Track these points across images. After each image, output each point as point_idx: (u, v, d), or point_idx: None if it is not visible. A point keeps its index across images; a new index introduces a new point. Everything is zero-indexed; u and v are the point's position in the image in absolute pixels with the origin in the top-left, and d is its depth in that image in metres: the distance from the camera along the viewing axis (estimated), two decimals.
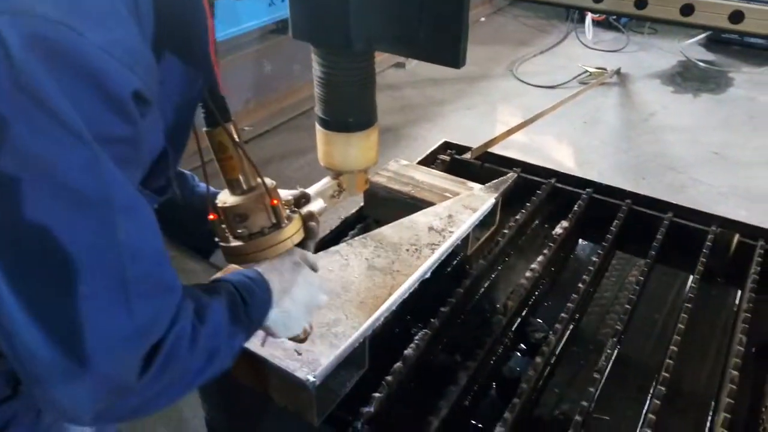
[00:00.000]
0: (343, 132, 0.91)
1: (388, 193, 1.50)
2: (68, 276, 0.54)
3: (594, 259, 1.47)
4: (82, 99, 0.52)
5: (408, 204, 1.48)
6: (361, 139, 0.93)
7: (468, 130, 3.74)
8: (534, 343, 1.32)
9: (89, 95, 0.53)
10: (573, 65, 4.62)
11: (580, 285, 1.38)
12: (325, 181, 0.98)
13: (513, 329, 1.37)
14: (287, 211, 0.85)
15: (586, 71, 4.43)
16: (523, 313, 1.41)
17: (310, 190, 0.96)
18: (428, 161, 1.90)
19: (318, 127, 0.93)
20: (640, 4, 0.79)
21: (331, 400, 1.07)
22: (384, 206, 1.53)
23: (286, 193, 0.92)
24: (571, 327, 1.36)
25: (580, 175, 1.81)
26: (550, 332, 1.27)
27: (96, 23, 0.54)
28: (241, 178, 0.80)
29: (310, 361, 0.99)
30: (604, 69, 4.49)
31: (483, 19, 5.89)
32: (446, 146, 2.01)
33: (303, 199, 0.92)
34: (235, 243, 0.81)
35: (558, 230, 1.56)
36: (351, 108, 0.88)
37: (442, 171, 1.85)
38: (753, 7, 0.74)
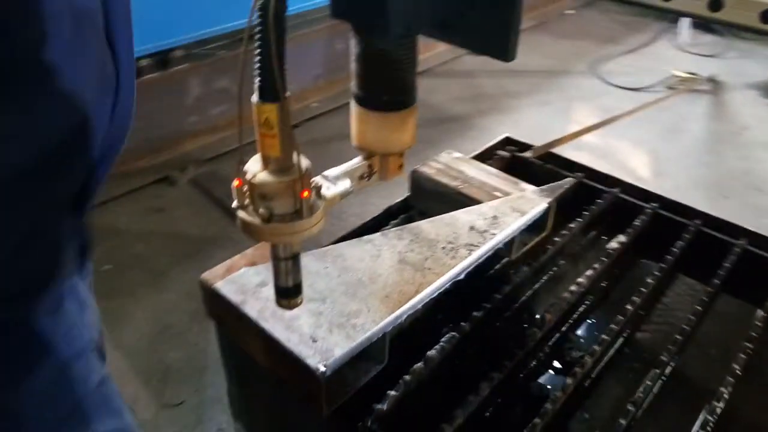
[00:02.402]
0: (377, 111, 0.86)
1: (434, 185, 1.45)
2: None
3: (649, 280, 1.36)
4: None
5: (454, 199, 1.42)
6: (396, 119, 0.87)
7: (540, 126, 3.58)
8: (569, 362, 1.24)
9: None
10: (662, 68, 4.33)
11: (628, 306, 1.28)
12: (356, 161, 0.94)
13: (549, 344, 1.29)
14: (313, 196, 0.81)
15: (676, 75, 4.15)
16: (563, 329, 1.33)
17: (340, 169, 0.92)
18: (486, 156, 1.82)
19: (352, 103, 0.88)
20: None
21: (343, 392, 1.04)
22: (429, 199, 1.47)
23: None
24: (613, 350, 1.27)
25: (654, 187, 1.68)
26: (588, 352, 1.19)
27: None
28: (278, 157, 0.76)
29: (323, 350, 0.96)
30: (696, 75, 4.18)
31: (571, 11, 5.63)
32: (507, 142, 1.92)
33: (332, 184, 0.88)
34: (253, 219, 0.78)
35: (613, 244, 1.46)
36: (387, 87, 0.83)
37: (499, 167, 1.77)
38: None
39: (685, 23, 4.96)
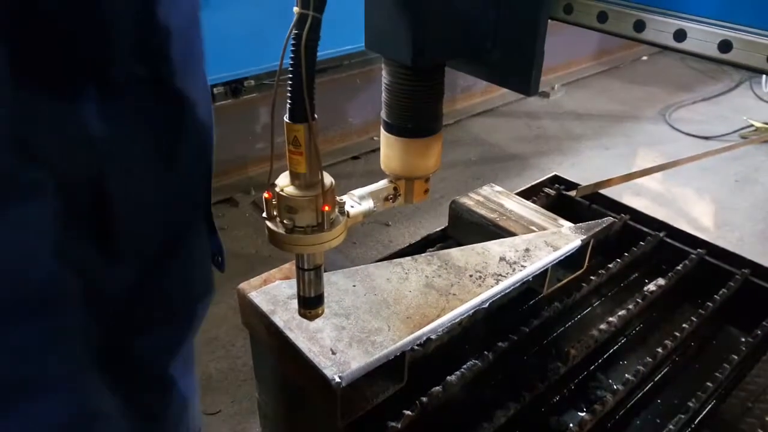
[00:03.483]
0: (401, 137, 0.92)
1: (471, 216, 1.48)
2: None
3: (685, 326, 1.33)
4: None
5: (490, 231, 1.44)
6: (419, 146, 0.93)
7: (600, 169, 3.53)
8: (593, 401, 1.22)
9: None
10: (737, 117, 4.19)
11: (658, 349, 1.26)
12: (383, 183, 1.00)
13: (575, 382, 1.28)
14: (336, 212, 0.87)
15: (752, 125, 3.99)
16: (591, 368, 1.31)
17: (366, 189, 0.98)
18: (532, 192, 1.84)
19: (381, 129, 0.95)
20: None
21: (359, 407, 1.08)
22: (466, 230, 1.50)
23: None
24: (640, 394, 1.24)
25: (715, 237, 1.64)
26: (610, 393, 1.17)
27: None
28: (304, 174, 0.83)
29: (341, 363, 1.01)
30: None
31: (645, 57, 5.55)
32: (555, 180, 1.93)
33: (356, 203, 0.94)
34: (278, 229, 0.85)
35: (651, 287, 1.43)
36: (411, 115, 0.89)
37: (545, 205, 1.79)
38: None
39: None
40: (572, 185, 1.89)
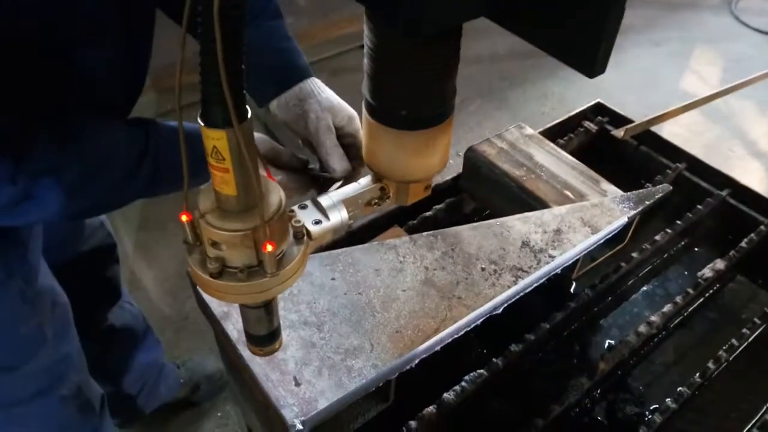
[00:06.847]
0: (393, 127, 0.61)
1: (491, 171, 1.18)
2: None
3: (745, 330, 1.07)
4: None
5: (513, 193, 1.16)
6: (418, 141, 0.61)
7: (648, 72, 3.08)
8: (619, 420, 1.01)
9: None
10: None
11: (710, 365, 1.02)
12: (365, 183, 0.70)
13: (600, 391, 1.06)
14: (290, 241, 0.59)
15: None
16: (619, 373, 1.09)
17: (340, 193, 0.69)
18: (569, 126, 1.51)
19: (364, 112, 0.64)
20: None
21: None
22: (483, 186, 1.22)
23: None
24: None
25: None
26: (646, 416, 0.96)
27: None
28: (235, 197, 0.54)
29: (305, 399, 0.79)
30: None
31: None
32: (598, 109, 1.58)
33: (323, 216, 0.66)
34: (200, 270, 0.58)
35: (707, 272, 1.16)
36: (409, 98, 0.58)
37: (584, 143, 1.48)
38: None
39: None
40: (619, 119, 1.54)
